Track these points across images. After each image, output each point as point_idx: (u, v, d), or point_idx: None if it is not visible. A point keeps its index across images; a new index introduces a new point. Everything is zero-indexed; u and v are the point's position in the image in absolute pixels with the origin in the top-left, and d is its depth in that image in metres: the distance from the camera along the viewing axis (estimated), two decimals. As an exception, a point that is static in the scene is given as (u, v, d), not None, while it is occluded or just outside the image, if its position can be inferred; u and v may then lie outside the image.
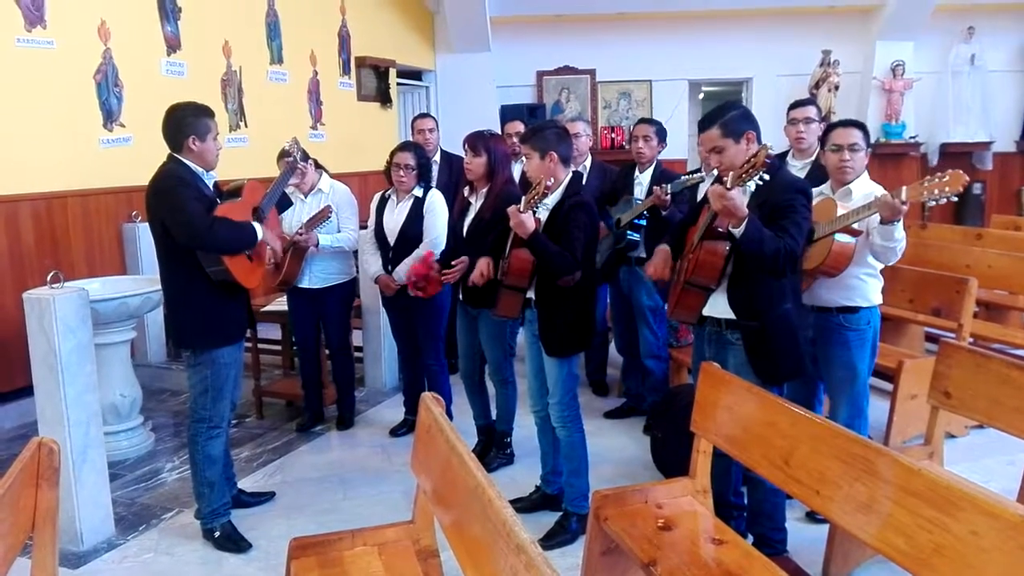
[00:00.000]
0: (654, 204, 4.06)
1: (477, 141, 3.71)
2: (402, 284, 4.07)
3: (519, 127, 5.10)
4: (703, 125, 2.84)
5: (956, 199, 2.82)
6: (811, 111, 3.88)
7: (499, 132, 3.92)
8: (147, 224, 3.22)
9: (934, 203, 2.81)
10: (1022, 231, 6.27)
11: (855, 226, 2.99)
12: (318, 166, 4.40)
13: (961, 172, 2.76)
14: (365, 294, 4.93)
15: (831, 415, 3.27)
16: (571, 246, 3.03)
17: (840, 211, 3.01)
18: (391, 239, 4.15)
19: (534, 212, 3.07)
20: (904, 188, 2.82)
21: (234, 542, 3.25)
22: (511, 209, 3.04)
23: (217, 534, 3.26)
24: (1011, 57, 9.46)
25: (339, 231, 4.28)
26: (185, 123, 3.08)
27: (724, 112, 2.81)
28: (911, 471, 1.85)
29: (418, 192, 4.12)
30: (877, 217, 2.93)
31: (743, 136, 2.75)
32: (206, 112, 3.15)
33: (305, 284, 4.31)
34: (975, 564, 1.67)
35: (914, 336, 4.96)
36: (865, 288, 3.14)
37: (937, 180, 2.77)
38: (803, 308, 2.97)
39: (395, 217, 4.16)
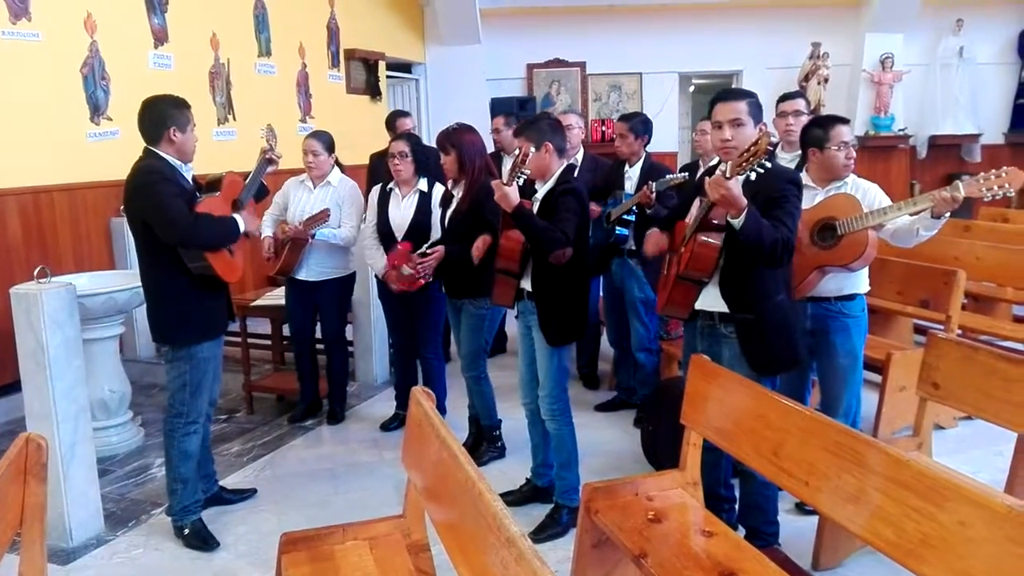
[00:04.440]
0: (640, 202, 4.06)
1: (444, 140, 3.71)
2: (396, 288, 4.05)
3: (500, 123, 5.12)
4: (728, 96, 2.81)
5: (1012, 195, 2.89)
6: (800, 104, 3.89)
7: (468, 124, 3.87)
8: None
9: (991, 198, 2.86)
10: (1010, 223, 6.30)
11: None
12: (338, 162, 4.42)
13: (1018, 169, 2.81)
14: (357, 288, 4.91)
15: (827, 406, 3.28)
16: (560, 224, 3.01)
17: (866, 207, 3.04)
18: (399, 234, 4.11)
19: (522, 192, 3.05)
20: (960, 184, 2.85)
21: (203, 540, 3.23)
22: (495, 183, 3.03)
23: (187, 531, 3.25)
24: (999, 50, 9.50)
25: (339, 226, 4.27)
26: (166, 114, 3.06)
27: (751, 94, 2.82)
28: (899, 462, 1.86)
29: (423, 186, 4.10)
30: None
31: (759, 124, 2.75)
32: (185, 104, 3.13)
33: (302, 276, 4.31)
34: (963, 554, 1.68)
35: (902, 328, 4.98)
36: (860, 275, 3.19)
37: (995, 177, 2.82)
38: (793, 299, 2.99)
39: (402, 212, 4.12)
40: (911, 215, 3.01)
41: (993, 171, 2.85)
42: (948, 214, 2.92)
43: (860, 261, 3.04)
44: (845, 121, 3.20)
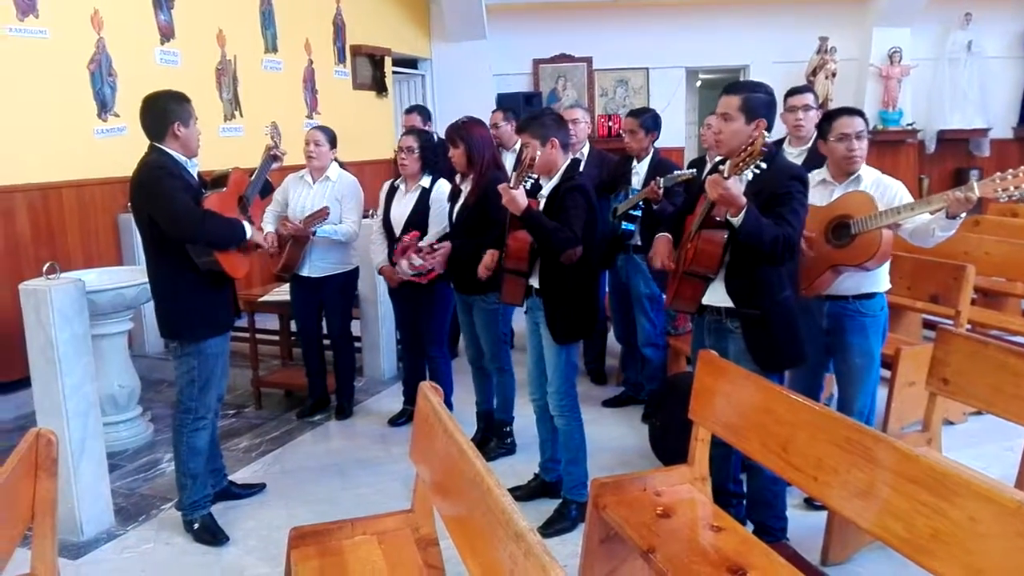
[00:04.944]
0: (647, 197, 4.05)
1: (453, 133, 3.71)
2: (405, 277, 4.05)
3: (498, 117, 5.14)
4: (728, 89, 2.81)
5: None
6: (809, 98, 3.87)
7: (477, 117, 3.88)
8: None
9: (1007, 199, 2.74)
10: (1019, 218, 6.26)
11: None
12: (337, 161, 4.44)
13: None
14: (363, 283, 4.93)
15: (842, 405, 3.25)
16: (568, 224, 3.00)
17: (881, 205, 2.94)
18: (397, 230, 4.13)
19: (528, 191, 3.06)
20: (975, 184, 2.74)
21: (212, 534, 3.25)
22: (502, 187, 3.02)
23: (196, 526, 3.26)
24: (1008, 43, 9.45)
25: (340, 221, 4.28)
26: (168, 110, 3.06)
27: (755, 89, 2.79)
28: (909, 457, 1.86)
29: (425, 182, 4.11)
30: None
31: (755, 121, 2.69)
32: (186, 98, 3.13)
33: (305, 273, 4.33)
34: (973, 550, 1.67)
35: (912, 323, 4.97)
36: (879, 273, 3.12)
37: (1011, 177, 2.69)
38: (799, 296, 2.97)
39: (402, 208, 4.14)
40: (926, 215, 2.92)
41: (1010, 171, 2.72)
42: (964, 214, 2.81)
43: (874, 261, 2.96)
44: (853, 112, 3.11)
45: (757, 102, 2.74)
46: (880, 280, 3.14)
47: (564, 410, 3.26)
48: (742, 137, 2.63)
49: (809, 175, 3.17)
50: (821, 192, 3.15)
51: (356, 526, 2.46)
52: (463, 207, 3.77)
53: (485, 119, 4.04)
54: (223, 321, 3.27)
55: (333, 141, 4.33)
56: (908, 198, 3.03)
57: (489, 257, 3.40)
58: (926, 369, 3.00)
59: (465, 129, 3.69)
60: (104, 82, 5.26)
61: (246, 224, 3.23)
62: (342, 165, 4.47)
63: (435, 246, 3.81)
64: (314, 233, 4.18)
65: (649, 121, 4.32)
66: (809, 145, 3.78)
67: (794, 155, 3.77)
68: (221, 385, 3.37)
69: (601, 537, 2.60)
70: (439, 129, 5.44)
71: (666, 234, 3.09)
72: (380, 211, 4.28)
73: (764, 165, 2.50)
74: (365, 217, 4.67)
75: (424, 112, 5.45)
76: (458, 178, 3.89)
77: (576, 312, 3.16)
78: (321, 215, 4.16)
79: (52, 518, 1.96)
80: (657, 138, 4.37)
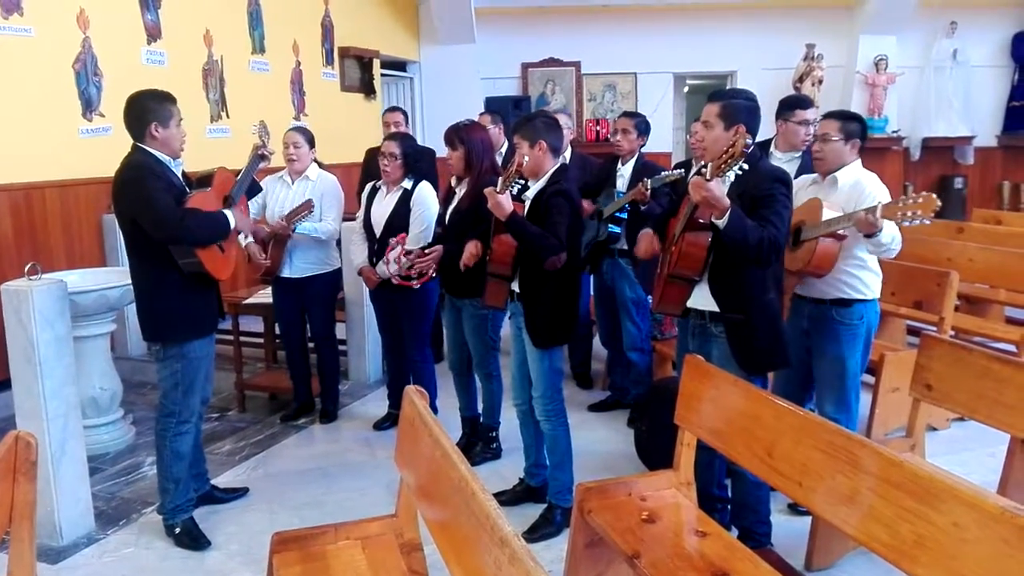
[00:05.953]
0: (634, 199, 4.07)
1: (453, 135, 3.69)
2: (384, 278, 4.04)
3: (485, 120, 5.16)
4: (711, 97, 2.90)
5: (928, 223, 2.79)
6: (811, 113, 3.87)
7: (478, 122, 3.88)
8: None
9: (908, 224, 2.78)
10: (1003, 225, 6.32)
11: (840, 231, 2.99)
12: (316, 162, 4.41)
13: (934, 197, 2.74)
14: (349, 286, 4.91)
15: (818, 409, 3.26)
16: (553, 229, 3.01)
17: (826, 211, 3.00)
18: (377, 230, 4.12)
19: (514, 196, 3.06)
20: (879, 206, 2.79)
21: (193, 539, 3.21)
22: (488, 190, 3.03)
23: (178, 530, 3.22)
24: (993, 52, 9.55)
25: (320, 220, 4.25)
26: (147, 109, 3.01)
27: (734, 96, 2.86)
28: (893, 463, 1.86)
29: (407, 184, 4.09)
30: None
31: (734, 126, 2.72)
32: (168, 98, 3.07)
33: (286, 273, 4.30)
34: (956, 555, 1.68)
35: (896, 329, 5.00)
36: (857, 282, 3.11)
37: (912, 202, 2.76)
38: (783, 298, 2.99)
39: (382, 208, 4.13)
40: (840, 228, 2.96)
41: (912, 195, 2.77)
42: (879, 234, 2.83)
43: (812, 267, 3.00)
44: (829, 115, 3.19)
45: (736, 108, 2.78)
46: (860, 288, 3.12)
47: (550, 415, 3.26)
48: (723, 143, 2.67)
49: (805, 176, 3.27)
50: (813, 192, 3.21)
51: (339, 531, 2.44)
52: (456, 210, 3.75)
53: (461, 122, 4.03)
54: (207, 323, 3.23)
55: (311, 141, 4.32)
56: (879, 199, 3.01)
57: (473, 246, 3.38)
58: (910, 375, 3.01)
59: (466, 131, 3.68)
60: (89, 82, 5.22)
61: (228, 213, 3.17)
62: (321, 166, 4.45)
63: (427, 251, 3.79)
64: (294, 230, 4.14)
65: (642, 124, 4.38)
66: (799, 152, 3.79)
67: (783, 160, 3.77)
68: (206, 389, 3.34)
69: (586, 542, 2.59)
70: (416, 131, 5.42)
71: (649, 230, 3.13)
72: (362, 212, 4.26)
73: (746, 166, 2.53)
74: (350, 220, 4.65)
75: (404, 113, 5.45)
76: (453, 180, 3.87)
77: (555, 316, 3.16)
78: (305, 209, 4.12)
79: (30, 522, 1.93)
80: (644, 144, 4.40)
